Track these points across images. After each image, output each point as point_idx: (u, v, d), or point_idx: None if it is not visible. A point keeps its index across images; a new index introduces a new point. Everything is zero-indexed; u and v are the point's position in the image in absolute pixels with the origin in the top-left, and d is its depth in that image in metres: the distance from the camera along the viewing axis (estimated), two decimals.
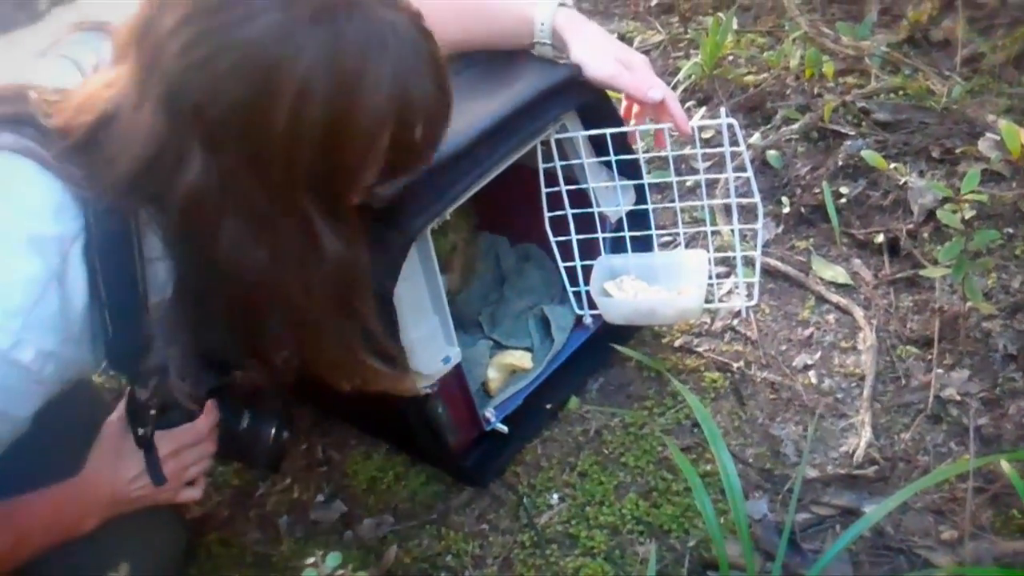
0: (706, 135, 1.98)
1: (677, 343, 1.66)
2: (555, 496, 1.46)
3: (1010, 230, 1.69)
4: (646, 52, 2.39)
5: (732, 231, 1.47)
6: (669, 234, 1.71)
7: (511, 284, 1.70)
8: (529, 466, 1.51)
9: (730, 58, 2.26)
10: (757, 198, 1.40)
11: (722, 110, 1.38)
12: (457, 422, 1.43)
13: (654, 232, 1.54)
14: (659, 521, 1.39)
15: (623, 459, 1.48)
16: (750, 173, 1.41)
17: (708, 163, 1.91)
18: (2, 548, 1.05)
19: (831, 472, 1.41)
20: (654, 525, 1.39)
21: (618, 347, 1.51)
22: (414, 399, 1.31)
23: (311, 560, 1.14)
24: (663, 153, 1.44)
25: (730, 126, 1.33)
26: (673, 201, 1.51)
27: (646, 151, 1.85)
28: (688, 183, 1.92)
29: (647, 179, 1.55)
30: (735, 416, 1.52)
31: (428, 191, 1.22)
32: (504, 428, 1.49)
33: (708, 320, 1.69)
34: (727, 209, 1.71)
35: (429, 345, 1.33)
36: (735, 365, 1.59)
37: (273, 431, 1.25)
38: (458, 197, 1.26)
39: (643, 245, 1.55)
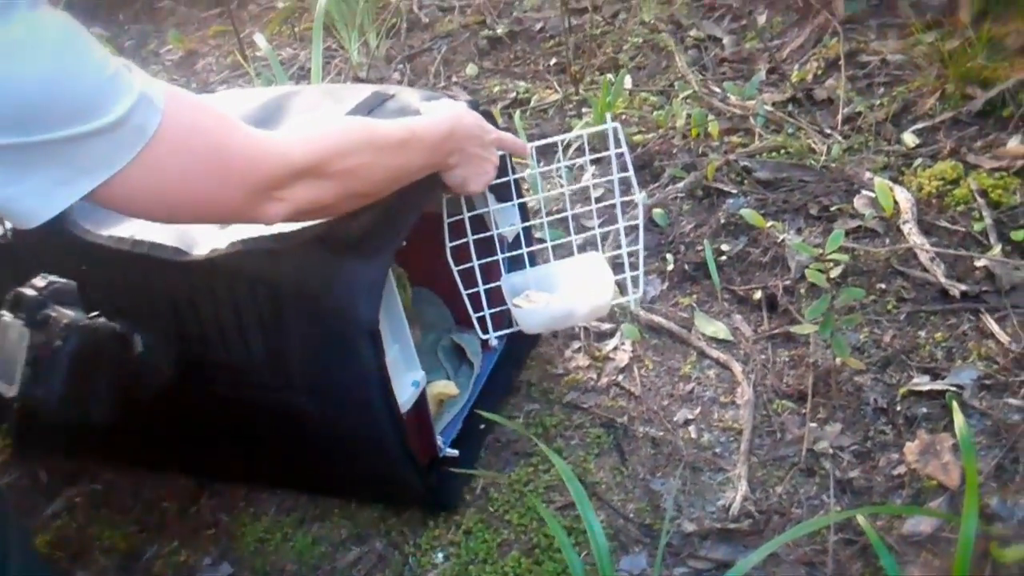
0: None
1: (565, 399, 1.69)
2: (440, 555, 1.47)
3: (883, 285, 1.76)
4: (543, 111, 2.45)
5: (619, 229, 1.55)
6: (560, 245, 1.72)
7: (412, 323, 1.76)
8: (415, 524, 1.52)
9: (623, 117, 2.31)
10: (637, 195, 1.51)
11: (608, 115, 1.47)
12: (415, 449, 1.44)
13: (550, 244, 1.66)
14: None
15: (507, 517, 1.50)
16: (631, 172, 1.51)
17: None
18: None
19: (708, 526, 1.44)
20: None
21: (489, 415, 1.55)
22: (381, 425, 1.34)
23: None
24: (556, 165, 1.63)
25: (615, 129, 1.51)
26: (565, 211, 1.60)
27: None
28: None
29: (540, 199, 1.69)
30: (617, 472, 1.55)
31: (386, 223, 1.30)
32: (455, 452, 1.54)
33: (595, 376, 1.72)
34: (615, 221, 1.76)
35: (399, 372, 1.37)
36: (619, 420, 1.63)
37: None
38: (409, 222, 1.35)
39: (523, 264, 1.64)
